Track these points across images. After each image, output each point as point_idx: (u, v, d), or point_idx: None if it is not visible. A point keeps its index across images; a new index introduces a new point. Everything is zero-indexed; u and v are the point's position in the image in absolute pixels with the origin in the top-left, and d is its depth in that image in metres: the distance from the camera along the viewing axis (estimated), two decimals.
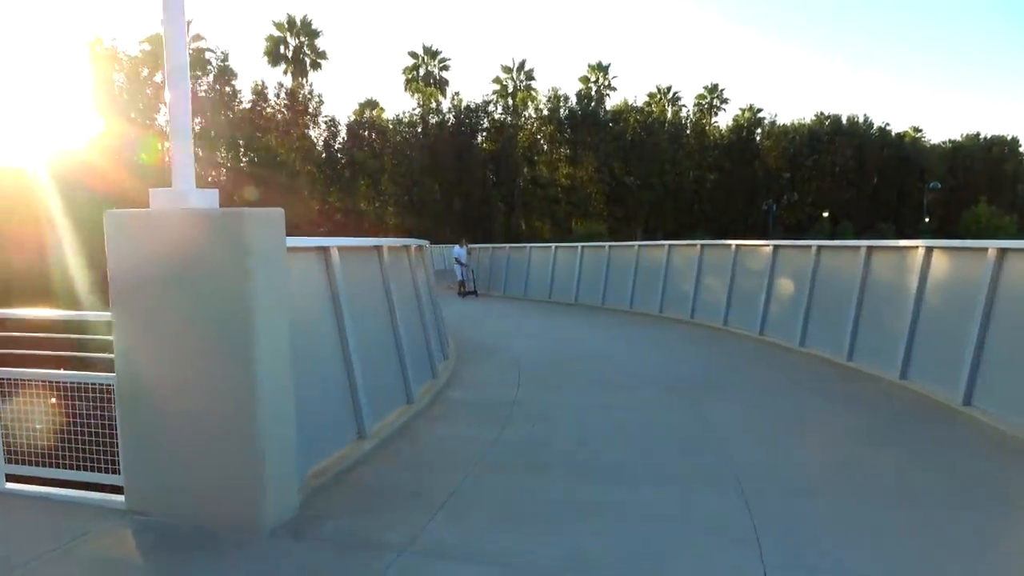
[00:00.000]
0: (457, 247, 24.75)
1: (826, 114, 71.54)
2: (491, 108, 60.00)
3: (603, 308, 19.05)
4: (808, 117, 73.04)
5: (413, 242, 9.98)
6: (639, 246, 18.57)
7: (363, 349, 6.38)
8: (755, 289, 13.22)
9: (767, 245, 13.21)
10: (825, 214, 67.56)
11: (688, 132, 67.95)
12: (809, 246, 11.69)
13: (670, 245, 17.24)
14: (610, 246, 19.87)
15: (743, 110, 72.37)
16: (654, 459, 5.77)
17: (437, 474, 5.37)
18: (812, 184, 69.24)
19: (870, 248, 9.95)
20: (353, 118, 55.71)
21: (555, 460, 5.71)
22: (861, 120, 72.46)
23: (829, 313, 10.76)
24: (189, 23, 51.77)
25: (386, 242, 7.71)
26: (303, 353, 5.29)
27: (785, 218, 66.09)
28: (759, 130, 71.05)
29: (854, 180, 69.79)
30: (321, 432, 5.52)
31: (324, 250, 6.04)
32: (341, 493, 4.94)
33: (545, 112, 61.66)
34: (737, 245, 14.34)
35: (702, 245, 15.82)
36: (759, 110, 72.42)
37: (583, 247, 21.15)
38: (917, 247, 8.75)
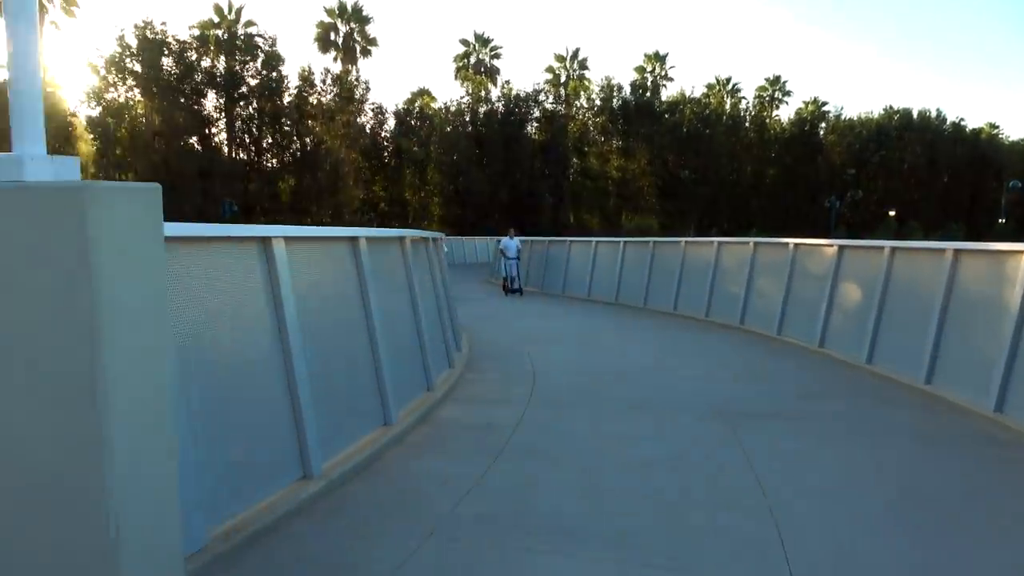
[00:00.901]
0: (505, 238, 22.35)
1: (895, 108, 68.03)
2: (542, 97, 58.48)
3: (645, 309, 17.56)
4: (876, 111, 69.58)
5: (413, 233, 8.73)
6: (686, 242, 16.99)
7: (318, 363, 5.13)
8: (815, 295, 11.59)
9: (830, 245, 11.55)
10: (891, 213, 64.15)
11: (748, 125, 65.23)
12: (881, 247, 10.03)
13: (719, 242, 15.64)
14: (655, 242, 18.32)
15: (806, 103, 69.34)
16: (683, 526, 4.37)
17: (385, 539, 4.08)
18: (878, 182, 65.93)
19: (957, 251, 8.29)
20: (401, 106, 54.94)
21: (545, 523, 4.35)
22: (933, 115, 68.70)
23: (904, 327, 9.13)
24: (240, 8, 51.73)
25: (367, 233, 6.44)
26: (220, 369, 4.13)
27: (848, 217, 63.01)
28: (823, 124, 67.95)
29: (924, 178, 66.18)
30: (246, 472, 4.30)
31: (264, 241, 4.77)
32: (248, 567, 3.69)
33: (598, 102, 59.83)
34: (795, 244, 12.68)
35: (755, 243, 14.18)
36: (823, 103, 69.30)
37: (625, 242, 19.64)
38: (1023, 252, 7.11)
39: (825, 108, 68.51)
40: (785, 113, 69.84)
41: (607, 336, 13.17)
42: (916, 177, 65.97)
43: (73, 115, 42.12)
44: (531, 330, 13.82)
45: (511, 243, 21.83)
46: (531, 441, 6.13)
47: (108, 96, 42.51)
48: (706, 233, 60.77)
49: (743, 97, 69.79)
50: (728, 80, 70.48)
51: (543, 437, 6.27)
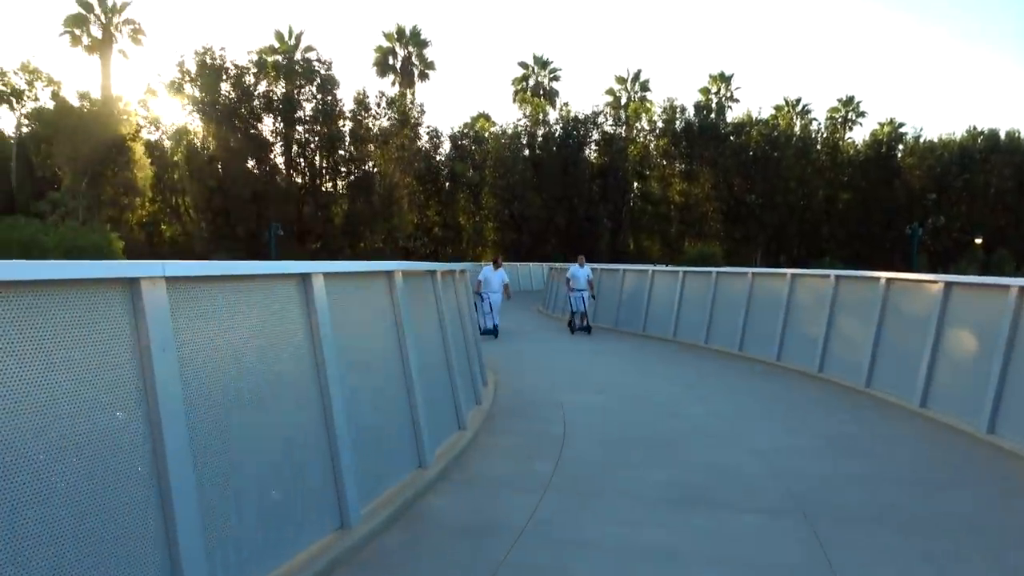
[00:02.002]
0: (574, 266, 18.74)
1: (980, 129, 63.79)
2: (601, 120, 56.83)
3: (706, 348, 15.60)
4: (958, 132, 65.43)
5: (421, 266, 7.19)
6: (753, 274, 14.99)
7: (221, 452, 3.56)
8: (914, 341, 9.54)
9: (934, 282, 9.49)
10: (977, 241, 59.85)
11: (819, 147, 62.06)
12: (1005, 287, 7.99)
13: (794, 274, 13.61)
14: (718, 272, 16.34)
15: (881, 124, 65.70)
16: None
17: None
18: (961, 207, 61.71)
19: None
20: (457, 129, 54.15)
21: None
22: (1023, 136, 64.16)
23: None
24: (300, 34, 51.98)
25: (328, 268, 4.85)
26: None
27: (930, 244, 59.01)
28: (900, 146, 64.18)
29: (1012, 203, 61.64)
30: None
31: (131, 284, 3.19)
32: None
33: (660, 124, 57.82)
34: (888, 279, 10.63)
35: (837, 276, 12.13)
36: (900, 124, 65.59)
37: (685, 272, 17.70)
38: None
39: (902, 129, 64.86)
40: (859, 135, 66.38)
41: (659, 384, 11.30)
42: (1003, 202, 61.51)
43: (132, 139, 42.54)
44: (570, 372, 12.07)
45: (580, 272, 18.37)
46: (538, 561, 4.41)
47: (166, 121, 42.84)
48: (774, 261, 57.82)
49: (814, 119, 66.73)
50: (798, 101, 67.64)
51: (556, 553, 4.54)
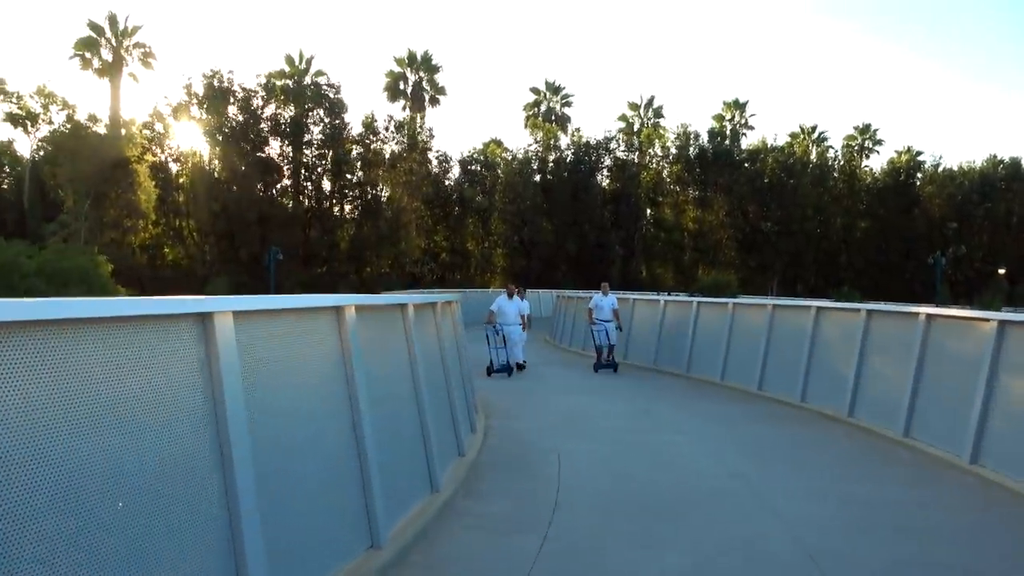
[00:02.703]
0: (597, 295, 16.83)
1: (1000, 158, 62.47)
2: (613, 145, 56.00)
3: (722, 385, 14.38)
4: (978, 160, 64.11)
5: (384, 299, 6.12)
6: (774, 306, 13.81)
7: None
8: (961, 386, 8.33)
9: (986, 320, 8.30)
10: (1000, 271, 58.21)
11: (836, 175, 60.90)
12: None
13: (819, 308, 12.43)
14: (734, 303, 15.19)
15: (899, 152, 64.55)
16: None
17: None
18: (983, 237, 60.22)
19: None
20: (466, 154, 53.48)
21: None
22: None
23: None
24: (311, 59, 51.68)
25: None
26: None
27: (951, 275, 57.44)
28: (919, 174, 62.89)
29: None
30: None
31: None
32: None
33: (673, 150, 56.90)
34: (928, 316, 9.44)
35: (869, 311, 10.94)
36: (918, 153, 64.35)
37: (699, 303, 16.55)
38: None
39: (921, 158, 63.65)
40: (876, 164, 65.19)
41: (667, 429, 10.12)
42: None
43: (137, 161, 42.04)
44: (569, 414, 10.90)
45: (605, 302, 16.30)
46: None
47: (172, 143, 42.37)
48: (790, 290, 56.40)
49: (830, 146, 65.69)
50: (813, 128, 66.62)
51: None
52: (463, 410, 8.49)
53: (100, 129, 45.78)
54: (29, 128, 48.70)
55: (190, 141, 43.57)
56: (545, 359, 20.02)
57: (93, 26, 49.74)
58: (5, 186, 55.96)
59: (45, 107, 48.39)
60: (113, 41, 50.48)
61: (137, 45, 51.25)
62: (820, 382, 11.85)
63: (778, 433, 10.06)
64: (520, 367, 16.12)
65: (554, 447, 8.57)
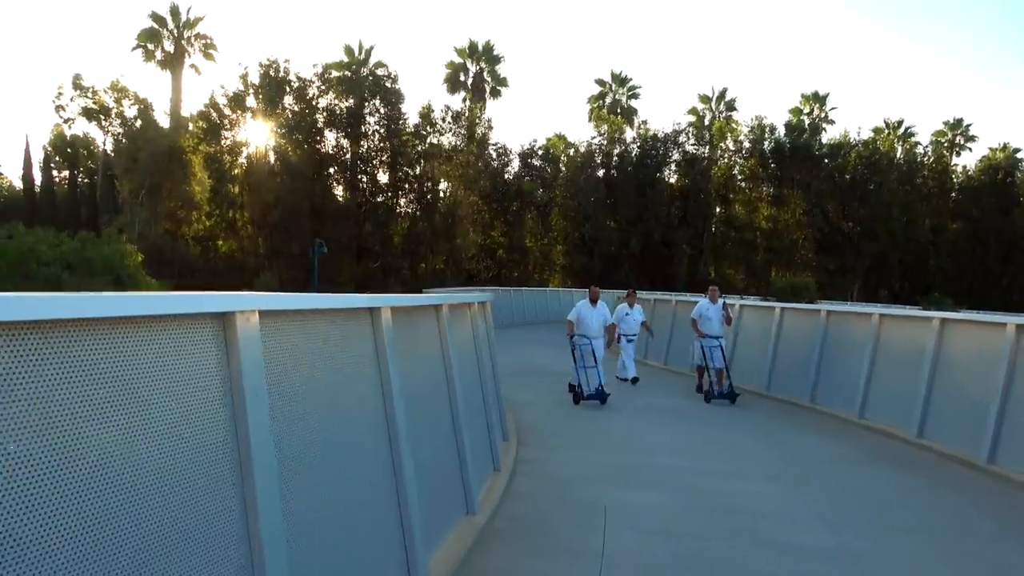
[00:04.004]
0: (703, 300, 13.46)
1: None
2: (682, 139, 52.97)
3: (812, 409, 11.95)
4: None
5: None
6: (880, 315, 11.28)
7: None
8: None
9: None
10: None
11: (925, 172, 56.47)
12: None
13: (943, 319, 9.89)
14: (828, 311, 12.67)
15: (993, 150, 59.52)
16: None
17: None
18: None
19: None
20: (526, 147, 51.37)
21: None
22: None
23: None
24: (371, 49, 50.49)
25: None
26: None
27: None
28: (1017, 173, 57.82)
29: None
30: None
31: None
32: None
33: (747, 144, 53.50)
34: None
35: (1019, 327, 8.40)
36: (1016, 150, 59.23)
37: (783, 308, 14.08)
38: None
39: (1020, 155, 58.52)
40: (967, 161, 60.35)
41: (748, 476, 7.83)
42: None
43: (192, 151, 41.50)
44: (624, 451, 8.71)
45: (714, 311, 12.87)
46: None
47: (226, 133, 41.64)
48: (872, 295, 52.39)
49: (918, 142, 61.12)
50: (899, 123, 62.14)
51: None
52: (479, 446, 6.44)
53: (163, 121, 45.66)
54: (103, 122, 48.85)
55: (245, 131, 42.77)
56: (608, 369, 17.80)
57: (156, 17, 49.64)
58: (80, 180, 56.94)
59: (118, 101, 48.45)
60: (175, 32, 50.33)
61: (199, 36, 50.97)
62: (945, 412, 9.35)
63: (893, 479, 7.65)
64: (634, 380, 14.04)
65: (600, 498, 6.43)
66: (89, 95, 47.77)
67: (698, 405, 12.20)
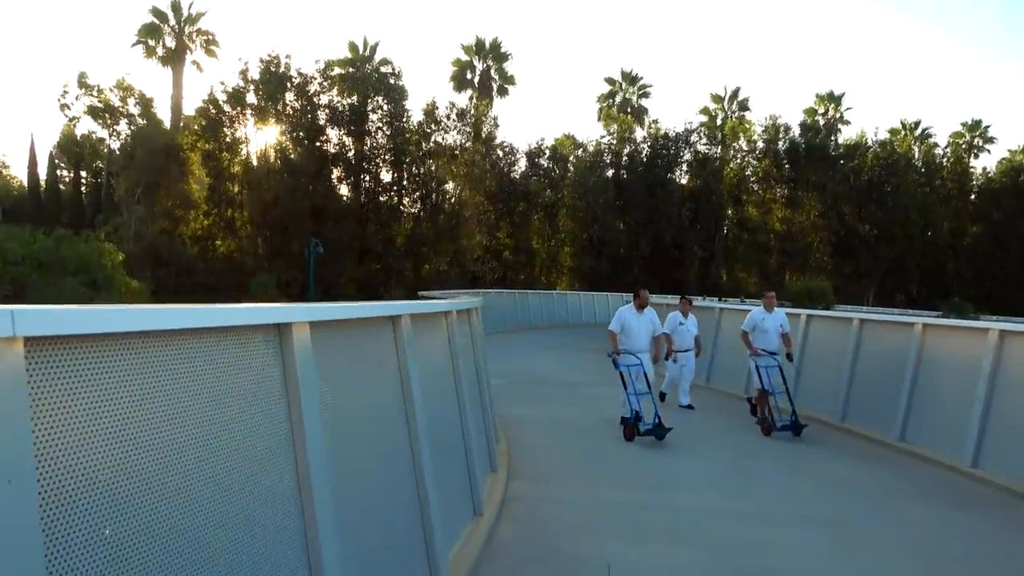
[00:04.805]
0: (757, 311, 10.94)
1: None
2: (694, 138, 51.56)
3: (843, 428, 10.63)
4: None
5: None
6: (924, 324, 9.96)
7: None
8: None
9: None
10: None
11: (944, 174, 54.90)
12: None
13: (1002, 331, 8.58)
14: (861, 320, 11.35)
15: (1013, 151, 57.93)
16: None
17: None
18: None
19: None
20: (533, 146, 50.11)
21: None
22: None
23: None
24: (375, 46, 49.42)
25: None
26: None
27: None
28: None
29: None
30: None
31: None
32: None
33: (760, 144, 52.05)
34: None
35: None
36: None
37: (809, 315, 12.78)
38: None
39: None
40: (986, 163, 58.76)
41: (787, 525, 6.56)
42: None
43: (189, 149, 40.47)
44: (644, 488, 7.44)
45: (772, 321, 10.60)
46: None
47: (224, 131, 40.54)
48: (890, 300, 50.87)
49: (935, 144, 59.53)
50: (916, 124, 60.54)
51: None
52: (453, 491, 5.19)
53: (164, 119, 44.72)
54: (108, 121, 47.82)
55: (244, 129, 41.65)
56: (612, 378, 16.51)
57: (156, 12, 48.77)
58: (86, 179, 56.09)
59: (123, 100, 47.46)
60: (176, 28, 49.41)
61: (200, 32, 50.09)
62: (1003, 438, 8.05)
63: (952, 520, 6.35)
64: (689, 407, 11.61)
65: (602, 551, 5.18)
66: (94, 93, 46.85)
67: (732, 431, 10.87)
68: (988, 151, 63.02)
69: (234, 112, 40.95)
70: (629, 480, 7.53)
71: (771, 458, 8.86)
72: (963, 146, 60.96)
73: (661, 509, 6.53)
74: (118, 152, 39.91)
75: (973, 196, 56.09)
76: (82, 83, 45.85)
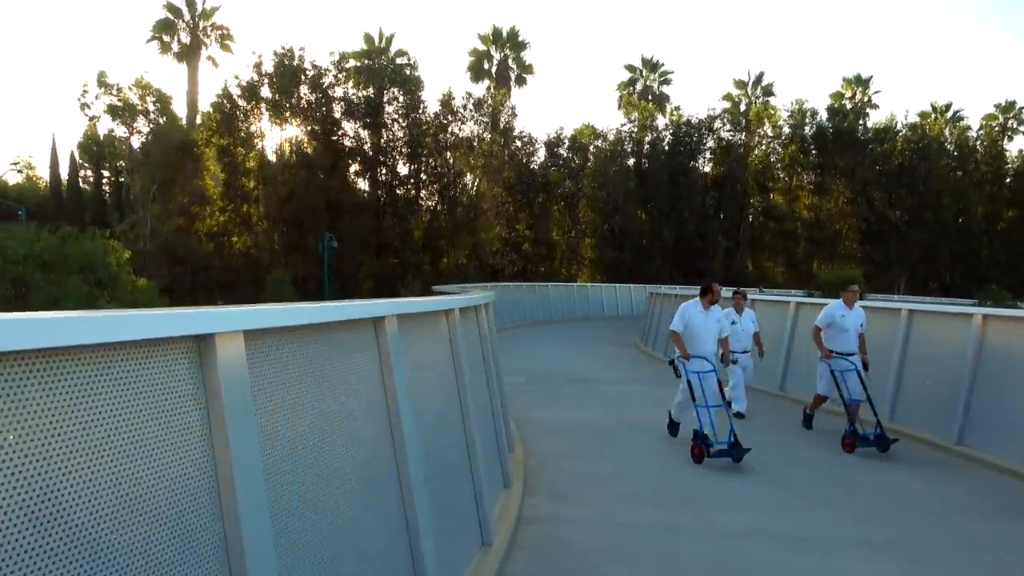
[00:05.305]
0: (836, 304, 9.25)
1: None
2: (717, 125, 50.28)
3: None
4: None
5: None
6: (984, 316, 9.00)
7: None
8: None
9: None
10: None
11: (979, 157, 53.14)
12: None
13: None
14: (910, 310, 10.39)
15: None
16: None
17: None
18: None
19: None
20: (552, 135, 49.12)
21: None
22: None
23: None
24: (391, 37, 48.70)
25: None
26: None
27: None
28: None
29: None
30: None
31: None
32: None
33: (786, 129, 50.64)
34: None
35: None
36: None
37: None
38: None
39: None
40: (1021, 145, 56.97)
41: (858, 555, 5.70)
42: None
43: (204, 144, 40.01)
44: (682, 510, 6.61)
45: (851, 318, 8.99)
46: None
47: (239, 125, 40.04)
48: (922, 288, 49.36)
49: (967, 126, 57.68)
50: (947, 107, 58.70)
51: None
52: (459, 520, 4.41)
53: (180, 115, 44.25)
54: (128, 120, 47.53)
55: (259, 123, 41.09)
56: (635, 375, 15.68)
57: (171, 7, 48.37)
58: (108, 178, 55.96)
59: (142, 98, 47.13)
60: (191, 23, 49.03)
61: (215, 27, 49.69)
62: None
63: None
64: (739, 416, 10.04)
65: None
66: (114, 92, 46.52)
67: (767, 432, 9.99)
68: (1022, 133, 61.08)
69: (248, 106, 40.41)
70: (660, 496, 6.70)
71: (817, 469, 7.97)
72: (996, 129, 59.06)
73: (698, 532, 5.70)
74: (138, 150, 39.48)
75: (1008, 180, 54.36)
76: (101, 82, 45.55)
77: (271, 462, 2.32)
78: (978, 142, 55.17)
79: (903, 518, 6.25)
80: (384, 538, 3.31)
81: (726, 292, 11.76)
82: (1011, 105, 60.21)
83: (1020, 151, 55.93)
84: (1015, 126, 60.29)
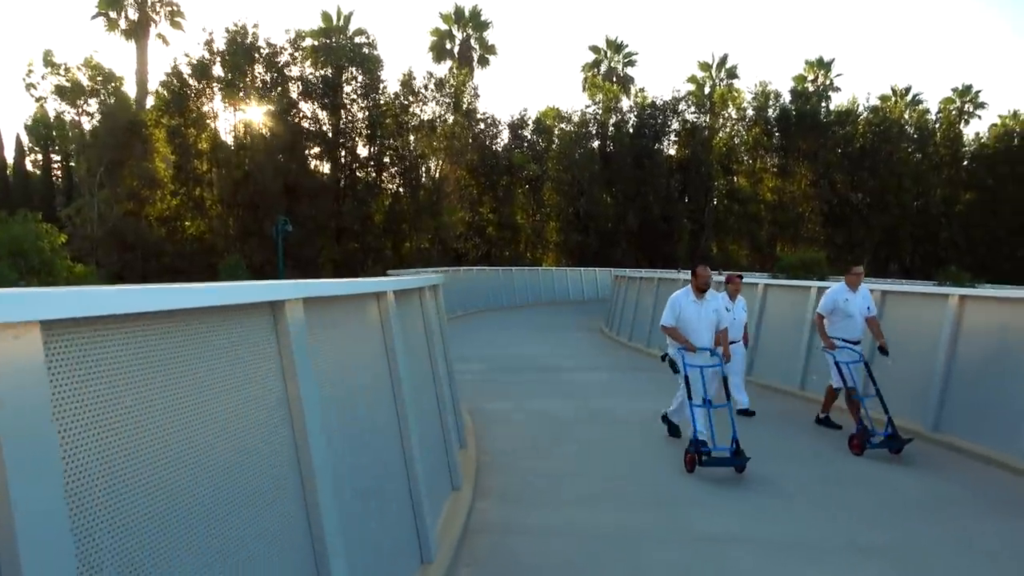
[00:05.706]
0: (838, 286, 8.43)
1: None
2: (682, 107, 49.94)
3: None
4: None
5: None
6: (960, 296, 8.55)
7: None
8: None
9: None
10: None
11: (937, 140, 53.68)
12: None
13: None
14: (883, 291, 9.96)
15: (1003, 117, 56.85)
16: None
17: None
18: None
19: None
20: (517, 117, 48.29)
21: None
22: None
23: None
24: (350, 15, 47.31)
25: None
26: None
27: None
28: None
29: None
30: None
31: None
32: None
33: (750, 111, 50.52)
34: None
35: None
36: None
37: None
38: None
39: None
40: (976, 129, 57.63)
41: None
42: None
43: (153, 125, 38.41)
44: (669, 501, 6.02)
45: (855, 302, 8.22)
46: None
47: (190, 105, 38.51)
48: (883, 270, 49.80)
49: (926, 110, 58.28)
50: (907, 90, 59.20)
51: None
52: (394, 529, 3.75)
53: (130, 96, 42.42)
54: (77, 101, 45.43)
55: (211, 103, 39.58)
56: (603, 361, 15.14)
57: None
58: (57, 163, 53.70)
59: (92, 79, 45.07)
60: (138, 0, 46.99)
61: (165, 3, 47.65)
62: None
63: None
64: (747, 413, 9.26)
65: None
66: (61, 72, 44.46)
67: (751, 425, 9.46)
68: (979, 117, 62.09)
69: (200, 86, 38.88)
70: (627, 497, 6.12)
71: (803, 464, 7.46)
72: (954, 112, 59.77)
73: (670, 539, 5.12)
74: (87, 133, 37.75)
75: (966, 163, 55.05)
76: (48, 61, 43.51)
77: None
78: (937, 125, 55.75)
79: (898, 517, 5.75)
80: (282, 565, 2.64)
81: (719, 278, 10.69)
82: (968, 89, 60.94)
83: (977, 134, 56.54)
84: (972, 109, 61.07)
